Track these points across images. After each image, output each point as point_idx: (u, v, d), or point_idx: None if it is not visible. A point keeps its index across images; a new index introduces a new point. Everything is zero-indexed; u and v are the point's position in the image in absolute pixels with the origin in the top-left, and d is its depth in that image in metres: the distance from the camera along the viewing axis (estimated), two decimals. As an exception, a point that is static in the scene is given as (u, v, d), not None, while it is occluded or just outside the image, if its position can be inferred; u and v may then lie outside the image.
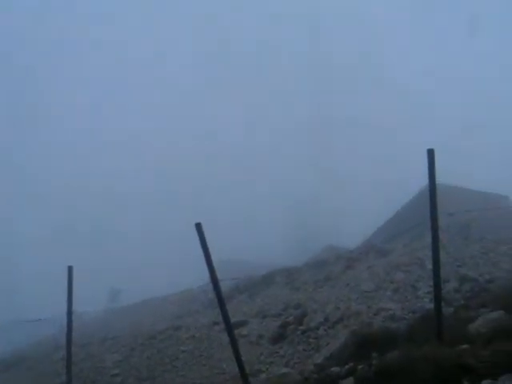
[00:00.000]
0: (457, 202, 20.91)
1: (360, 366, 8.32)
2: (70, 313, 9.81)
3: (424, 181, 7.85)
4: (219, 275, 8.65)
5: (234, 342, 8.72)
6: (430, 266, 7.82)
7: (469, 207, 17.66)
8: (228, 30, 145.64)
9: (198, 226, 8.36)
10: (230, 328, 8.75)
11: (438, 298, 7.63)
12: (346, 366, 8.77)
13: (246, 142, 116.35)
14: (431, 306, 8.65)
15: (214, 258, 8.54)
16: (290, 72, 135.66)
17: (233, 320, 11.26)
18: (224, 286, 11.54)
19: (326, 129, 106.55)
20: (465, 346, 6.98)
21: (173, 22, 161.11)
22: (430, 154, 7.66)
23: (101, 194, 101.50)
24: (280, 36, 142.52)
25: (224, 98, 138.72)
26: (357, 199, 70.09)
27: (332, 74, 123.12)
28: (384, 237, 29.91)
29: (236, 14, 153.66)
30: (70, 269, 9.83)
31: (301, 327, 15.48)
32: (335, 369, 9.11)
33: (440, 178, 8.02)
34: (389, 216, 33.98)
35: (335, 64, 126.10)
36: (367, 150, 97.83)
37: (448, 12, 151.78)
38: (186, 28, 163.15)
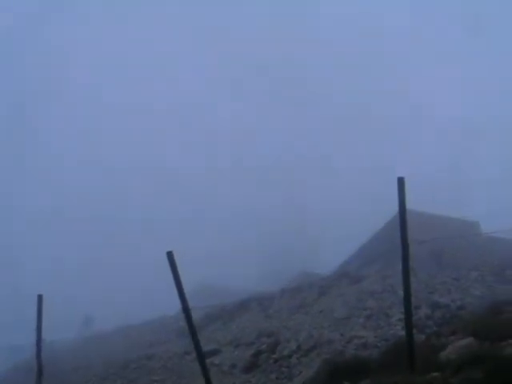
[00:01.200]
0: (429, 229, 21.12)
1: (332, 395, 8.30)
2: (39, 341, 9.60)
3: (396, 208, 7.73)
4: (193, 302, 8.57)
5: (205, 372, 8.59)
6: (402, 293, 7.85)
7: (441, 234, 17.88)
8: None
9: (170, 255, 8.29)
10: (201, 357, 8.63)
11: (409, 325, 7.59)
12: (319, 395, 8.73)
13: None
14: (404, 333, 8.66)
15: (187, 284, 8.46)
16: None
17: (205, 348, 11.13)
18: (197, 314, 11.41)
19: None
20: (435, 374, 7.00)
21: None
22: (400, 182, 7.48)
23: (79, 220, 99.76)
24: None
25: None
26: (332, 225, 70.16)
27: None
28: (358, 263, 29.98)
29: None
30: (39, 297, 9.65)
31: (274, 356, 15.37)
32: (308, 398, 9.07)
33: (412, 205, 8.01)
34: (363, 241, 34.02)
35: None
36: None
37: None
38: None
